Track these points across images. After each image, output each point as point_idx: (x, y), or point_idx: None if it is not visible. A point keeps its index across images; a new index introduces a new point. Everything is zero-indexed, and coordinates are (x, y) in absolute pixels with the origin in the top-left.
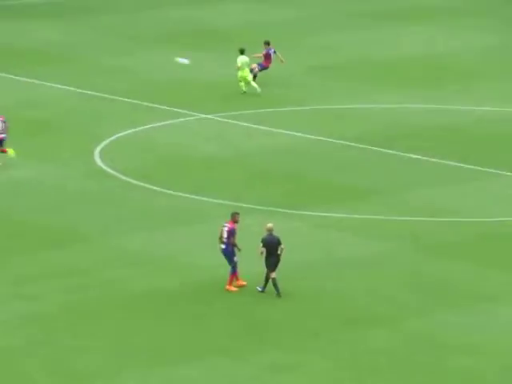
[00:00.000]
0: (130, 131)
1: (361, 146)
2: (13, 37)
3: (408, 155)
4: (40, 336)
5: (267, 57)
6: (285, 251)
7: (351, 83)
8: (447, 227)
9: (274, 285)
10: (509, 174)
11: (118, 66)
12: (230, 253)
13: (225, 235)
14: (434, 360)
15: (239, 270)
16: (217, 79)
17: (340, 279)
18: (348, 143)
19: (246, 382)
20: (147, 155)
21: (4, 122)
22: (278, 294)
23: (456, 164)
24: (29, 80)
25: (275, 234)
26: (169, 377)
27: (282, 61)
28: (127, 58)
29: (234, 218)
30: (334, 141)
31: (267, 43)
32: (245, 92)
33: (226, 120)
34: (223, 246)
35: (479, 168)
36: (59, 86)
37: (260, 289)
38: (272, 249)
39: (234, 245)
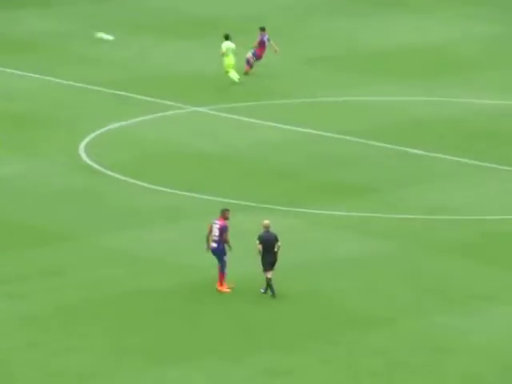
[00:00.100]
0: (116, 125)
1: (359, 140)
2: None
3: (407, 150)
4: (30, 337)
5: (261, 44)
6: (281, 249)
7: (348, 74)
8: (447, 225)
9: (269, 285)
10: (510, 168)
11: (103, 56)
12: (221, 251)
13: (216, 233)
14: (433, 362)
15: (227, 271)
16: (208, 70)
17: (337, 279)
18: (346, 137)
19: None
20: (135, 150)
21: None
22: (273, 294)
23: (456, 159)
24: (7, 70)
25: (272, 231)
26: (161, 378)
27: (275, 50)
28: (113, 48)
29: (224, 215)
30: (331, 135)
31: (262, 29)
32: (236, 82)
33: (218, 113)
34: (214, 245)
35: (479, 163)
36: (41, 77)
37: (263, 290)
38: (269, 247)
39: (227, 242)
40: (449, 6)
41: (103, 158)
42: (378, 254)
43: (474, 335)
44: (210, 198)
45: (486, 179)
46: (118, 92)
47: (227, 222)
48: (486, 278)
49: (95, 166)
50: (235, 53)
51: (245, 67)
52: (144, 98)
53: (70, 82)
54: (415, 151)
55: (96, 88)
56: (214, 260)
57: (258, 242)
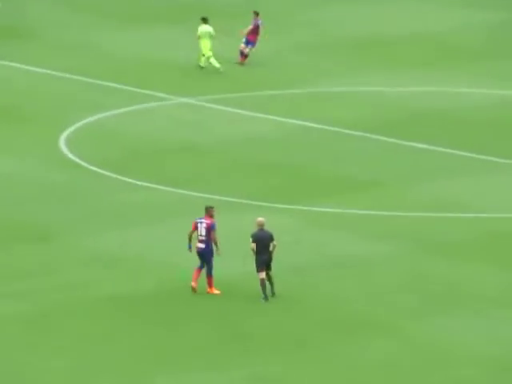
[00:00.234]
0: (97, 116)
1: (358, 133)
2: None
3: (410, 143)
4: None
5: (255, 29)
6: (277, 249)
7: (344, 63)
8: (454, 224)
9: (262, 287)
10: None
11: (83, 44)
12: (209, 253)
13: (203, 233)
14: (436, 370)
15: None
16: (195, 58)
17: (334, 281)
18: (343, 130)
19: None
20: (117, 143)
21: None
22: (265, 297)
23: (464, 154)
24: None
25: (267, 229)
26: None
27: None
28: (94, 35)
29: (210, 213)
30: (327, 127)
31: (256, 13)
32: (202, 68)
33: (205, 104)
34: (202, 246)
35: (485, 157)
36: (16, 66)
37: (263, 300)
38: (263, 246)
39: (215, 242)
40: None
41: (84, 152)
42: (379, 255)
43: (482, 342)
44: (198, 194)
45: (497, 175)
46: (99, 82)
47: (214, 220)
48: (497, 281)
49: (77, 160)
50: (212, 37)
51: (239, 58)
52: (126, 87)
53: (48, 71)
54: (419, 145)
55: (76, 77)
56: (198, 261)
57: (251, 240)
